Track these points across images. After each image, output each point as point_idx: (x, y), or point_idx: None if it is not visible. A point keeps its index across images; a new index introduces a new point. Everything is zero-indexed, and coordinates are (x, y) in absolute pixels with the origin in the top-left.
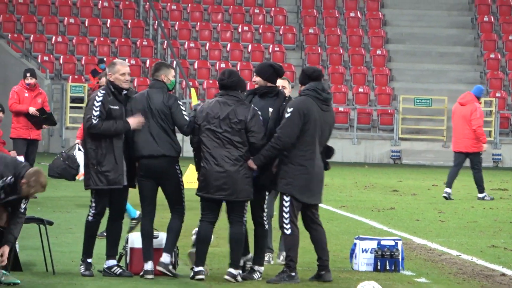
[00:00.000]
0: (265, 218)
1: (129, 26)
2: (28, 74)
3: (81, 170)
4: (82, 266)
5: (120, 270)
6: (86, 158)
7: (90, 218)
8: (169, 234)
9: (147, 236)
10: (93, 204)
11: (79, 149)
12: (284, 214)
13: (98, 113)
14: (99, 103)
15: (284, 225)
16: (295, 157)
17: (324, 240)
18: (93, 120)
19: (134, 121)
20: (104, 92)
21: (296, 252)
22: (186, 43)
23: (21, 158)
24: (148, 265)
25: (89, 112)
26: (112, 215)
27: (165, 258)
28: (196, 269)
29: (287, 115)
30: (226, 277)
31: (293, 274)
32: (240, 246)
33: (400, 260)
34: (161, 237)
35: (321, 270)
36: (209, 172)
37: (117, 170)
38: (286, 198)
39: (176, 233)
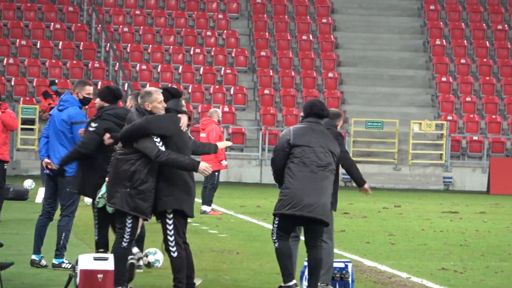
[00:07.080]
0: None
1: (81, 48)
2: None
3: None
4: None
5: None
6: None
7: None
8: None
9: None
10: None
11: None
12: (169, 237)
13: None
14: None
15: (170, 248)
16: None
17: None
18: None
19: None
20: None
21: (185, 274)
22: (138, 65)
23: None
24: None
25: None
26: None
27: None
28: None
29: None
30: None
31: None
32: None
33: (350, 282)
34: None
35: None
36: None
37: None
38: (169, 216)
39: None
